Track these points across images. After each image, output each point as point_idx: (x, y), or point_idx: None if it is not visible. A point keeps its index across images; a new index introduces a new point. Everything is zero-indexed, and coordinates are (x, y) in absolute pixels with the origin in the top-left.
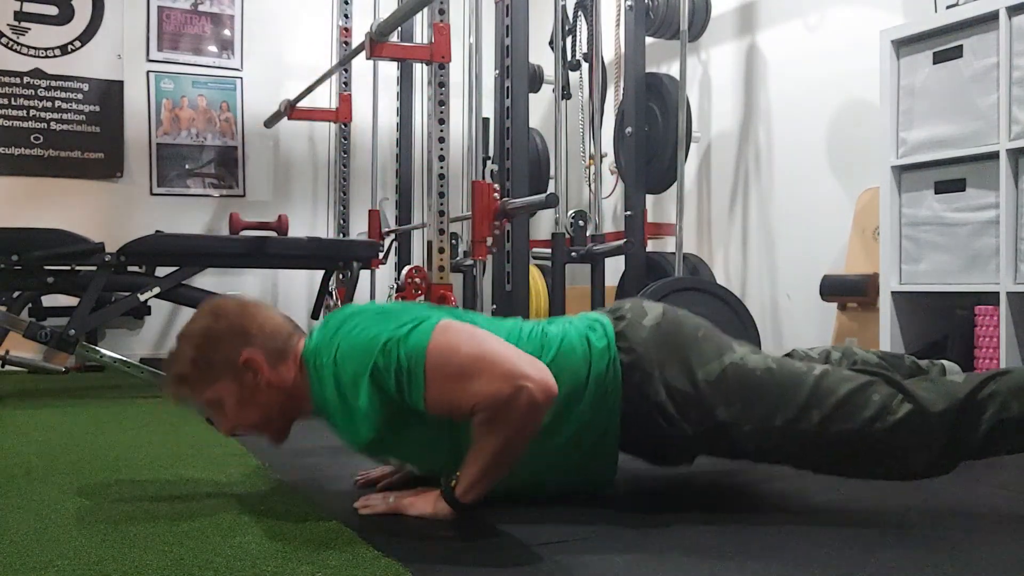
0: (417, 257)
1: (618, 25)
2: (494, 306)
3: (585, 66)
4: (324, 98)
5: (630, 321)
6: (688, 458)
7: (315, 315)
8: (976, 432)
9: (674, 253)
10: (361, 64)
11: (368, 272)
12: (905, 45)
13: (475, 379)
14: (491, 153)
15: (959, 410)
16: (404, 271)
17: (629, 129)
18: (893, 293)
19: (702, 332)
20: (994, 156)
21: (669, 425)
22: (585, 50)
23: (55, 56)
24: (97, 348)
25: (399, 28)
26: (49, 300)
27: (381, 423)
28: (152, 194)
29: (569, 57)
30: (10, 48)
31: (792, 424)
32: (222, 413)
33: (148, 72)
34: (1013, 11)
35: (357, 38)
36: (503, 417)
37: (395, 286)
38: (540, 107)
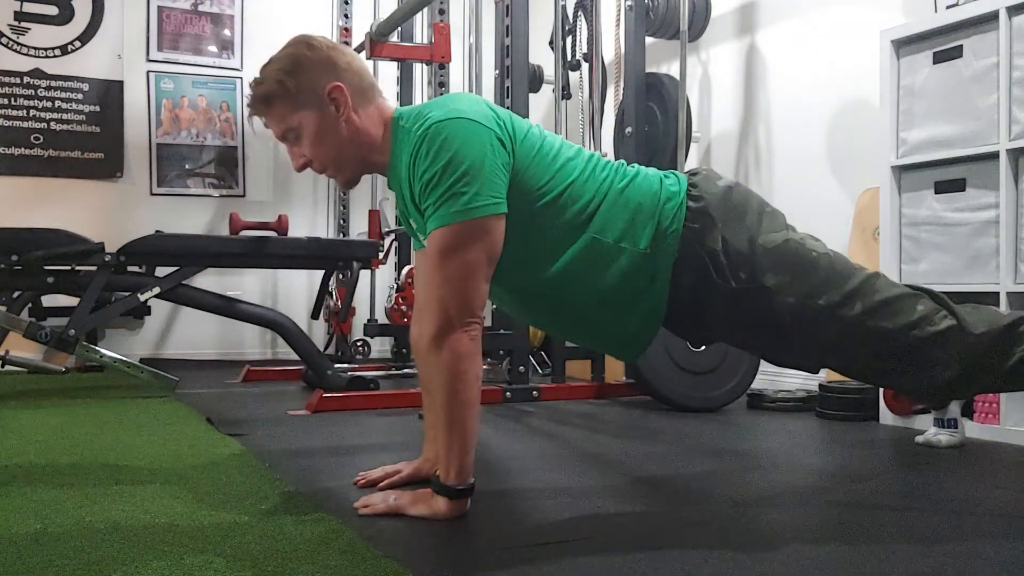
0: None
1: (618, 25)
2: (494, 306)
3: (585, 66)
4: None
5: (704, 176)
6: (717, 327)
7: (315, 315)
8: (1006, 361)
9: None
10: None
11: (368, 272)
12: (905, 45)
13: (446, 284)
14: None
15: (997, 336)
16: (404, 271)
17: (629, 129)
18: None
19: (769, 209)
20: (994, 156)
21: (717, 275)
22: (585, 50)
23: (55, 56)
24: (97, 348)
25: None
26: (49, 300)
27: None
28: (152, 194)
29: (569, 57)
30: (10, 48)
31: (834, 308)
32: (298, 144)
33: (148, 72)
34: (1013, 11)
35: (357, 38)
36: (437, 359)
37: (395, 286)
38: (540, 107)
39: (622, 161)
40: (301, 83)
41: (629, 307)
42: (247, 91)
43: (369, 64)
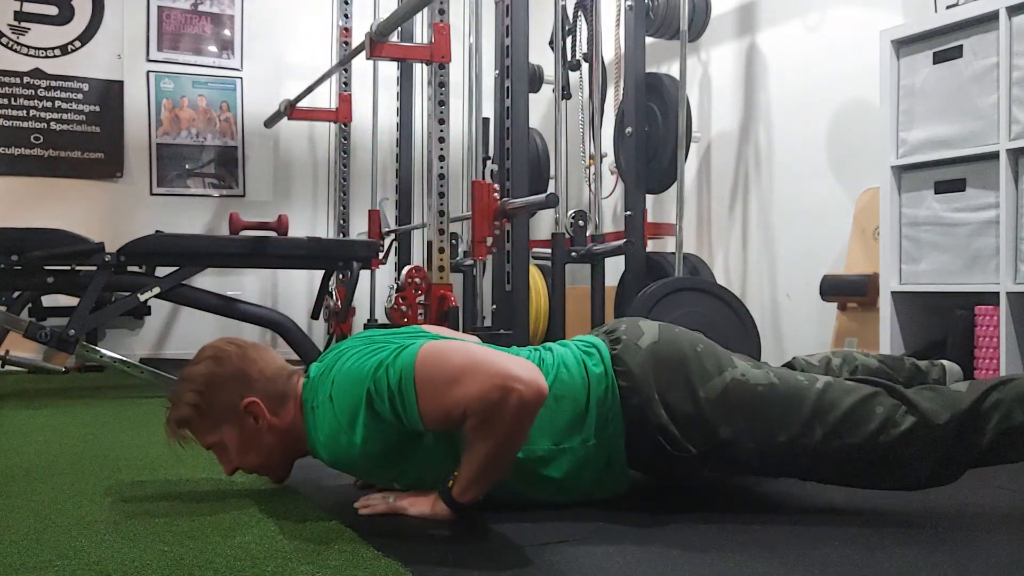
0: (417, 257)
1: (618, 25)
2: (494, 306)
3: (585, 66)
4: (324, 98)
5: (626, 343)
6: (694, 476)
7: (315, 315)
8: (980, 441)
9: (674, 253)
10: (361, 64)
11: (368, 272)
12: (905, 45)
13: (464, 382)
14: (491, 153)
15: (963, 420)
16: (404, 271)
17: (629, 129)
18: (893, 293)
19: (701, 347)
20: (994, 156)
21: (672, 446)
22: (585, 50)
23: (55, 56)
24: (97, 348)
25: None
26: (49, 300)
27: (382, 451)
28: (152, 194)
29: (569, 57)
30: (10, 48)
31: (796, 440)
32: (225, 455)
33: (148, 72)
34: (1013, 11)
35: (357, 38)
36: (494, 418)
37: (395, 286)
38: (540, 107)
39: (537, 348)
40: (214, 403)
41: (592, 487)
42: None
43: (369, 64)
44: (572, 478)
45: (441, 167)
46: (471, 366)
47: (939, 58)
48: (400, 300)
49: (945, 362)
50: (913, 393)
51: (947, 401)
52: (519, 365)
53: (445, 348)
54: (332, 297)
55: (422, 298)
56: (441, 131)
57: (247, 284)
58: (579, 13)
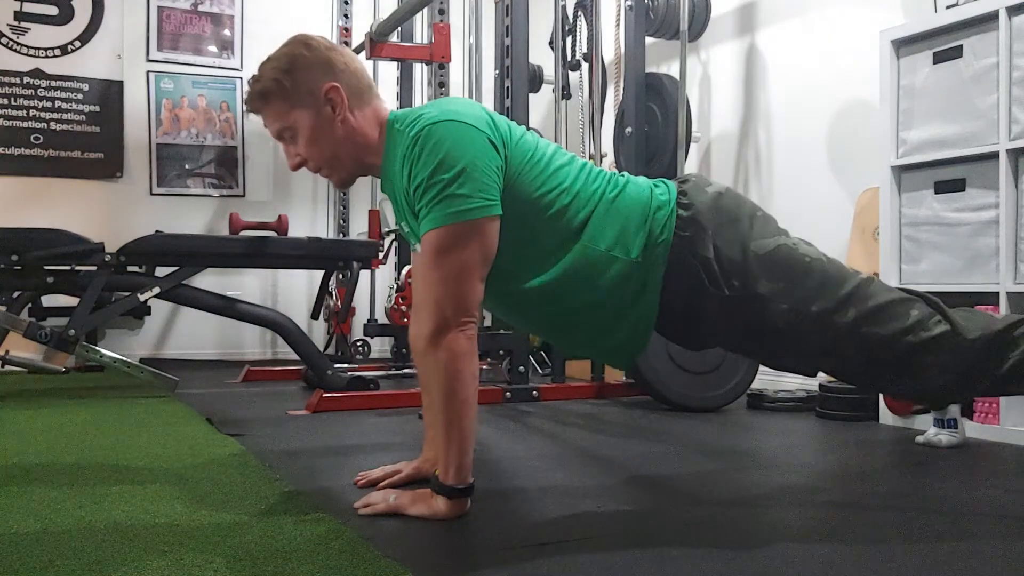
0: None
1: (618, 25)
2: None
3: (585, 66)
4: None
5: (694, 183)
6: (711, 333)
7: (315, 315)
8: (1000, 366)
9: None
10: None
11: (368, 272)
12: (905, 45)
13: (441, 284)
14: None
15: (991, 340)
16: (404, 271)
17: (629, 129)
18: None
19: (760, 213)
20: (994, 156)
21: (710, 283)
22: (585, 50)
23: (55, 56)
24: (97, 348)
25: (399, 28)
26: (49, 300)
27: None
28: (152, 194)
29: (569, 57)
30: (10, 48)
31: (827, 314)
32: (294, 142)
33: (148, 72)
34: (1013, 11)
35: (357, 38)
36: (435, 358)
37: (395, 286)
38: (540, 107)
39: (614, 171)
40: (298, 82)
41: (620, 315)
42: (247, 89)
43: (369, 64)
44: (611, 292)
45: None
46: (454, 281)
47: (939, 58)
48: (400, 300)
49: None
50: (951, 310)
51: (981, 322)
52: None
53: (472, 245)
54: (332, 297)
55: None
56: None
57: (247, 284)
58: (579, 13)
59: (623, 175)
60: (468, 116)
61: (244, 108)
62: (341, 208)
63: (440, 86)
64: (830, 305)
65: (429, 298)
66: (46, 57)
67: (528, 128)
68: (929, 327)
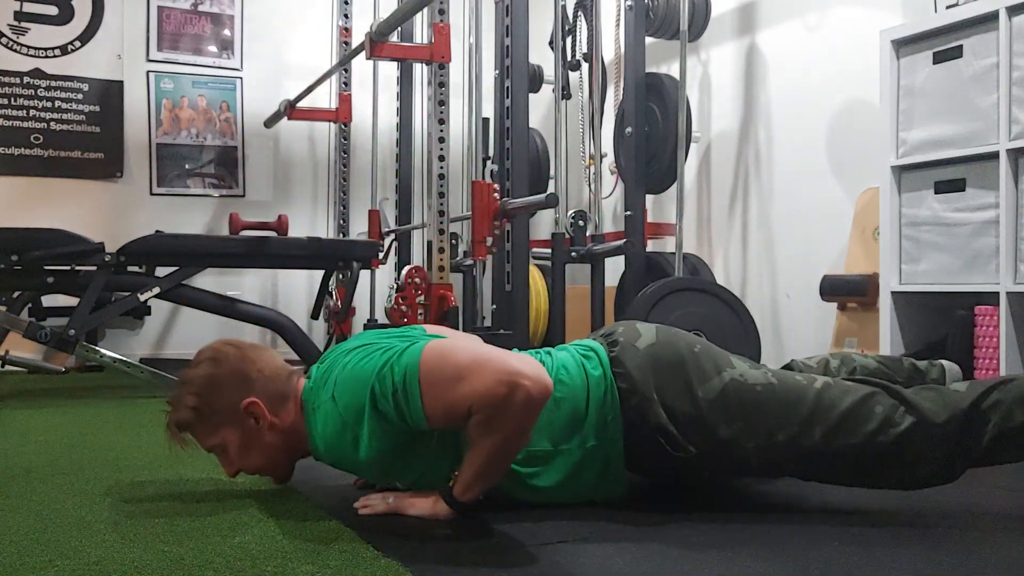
0: (417, 257)
1: (618, 25)
2: (494, 306)
3: (585, 66)
4: (324, 98)
5: (624, 346)
6: (694, 477)
7: (315, 315)
8: (980, 442)
9: (674, 253)
10: (361, 64)
11: (368, 272)
12: (905, 45)
13: (469, 379)
14: (491, 153)
15: (962, 420)
16: (404, 271)
17: (629, 129)
18: (893, 293)
19: (698, 348)
20: (994, 156)
21: (672, 447)
22: (585, 50)
23: (55, 56)
24: (97, 348)
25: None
26: (49, 300)
27: (385, 450)
28: (152, 194)
29: (569, 57)
30: (10, 48)
31: (795, 440)
32: (226, 457)
33: (148, 72)
34: (1013, 11)
35: (357, 38)
36: (500, 414)
37: (395, 286)
38: (540, 107)
39: (540, 351)
40: (215, 405)
41: (588, 491)
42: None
43: (369, 64)
44: (570, 480)
45: (441, 167)
46: (476, 363)
47: (939, 58)
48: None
49: (944, 362)
50: (912, 393)
51: (946, 401)
52: (524, 362)
53: (450, 346)
54: (332, 297)
55: (422, 298)
56: (441, 131)
57: (247, 284)
58: (579, 13)
59: (549, 355)
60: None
61: (166, 437)
62: (341, 208)
63: (440, 86)
64: (794, 430)
65: (479, 398)
66: (46, 57)
67: (528, 128)
68: (896, 422)
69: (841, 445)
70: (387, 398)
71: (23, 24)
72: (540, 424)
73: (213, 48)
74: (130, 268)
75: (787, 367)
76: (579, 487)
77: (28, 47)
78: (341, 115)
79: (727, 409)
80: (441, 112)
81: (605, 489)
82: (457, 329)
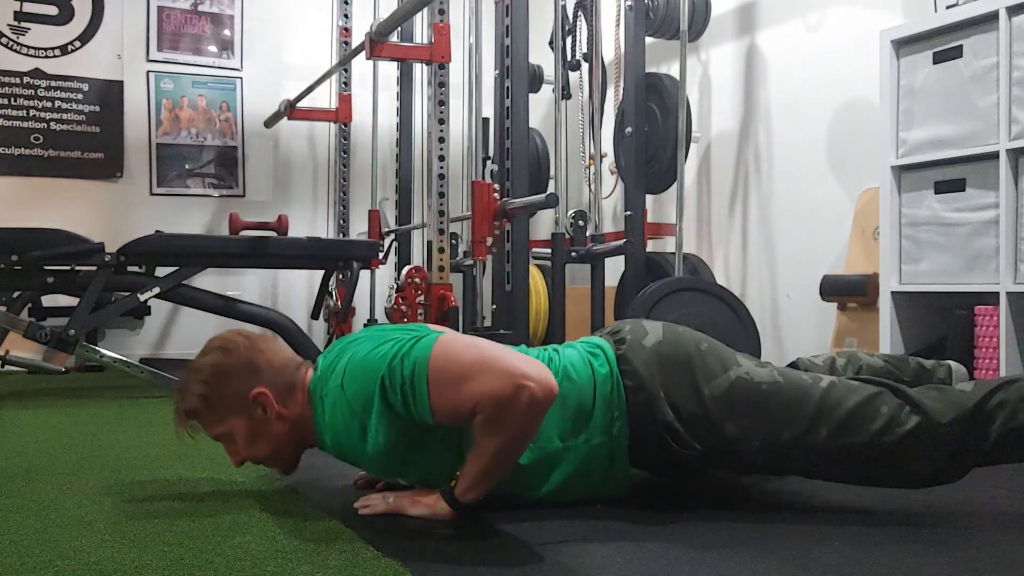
0: (417, 257)
1: (618, 25)
2: (494, 306)
3: (585, 66)
4: (324, 98)
5: (630, 343)
6: (699, 474)
7: (315, 315)
8: (985, 442)
9: (674, 253)
10: (361, 64)
11: (368, 272)
12: (905, 45)
13: (476, 379)
14: (491, 153)
15: (967, 420)
16: (404, 271)
17: (629, 129)
18: (893, 293)
19: (705, 346)
20: (994, 156)
21: (678, 444)
22: (585, 50)
23: (55, 56)
24: (97, 348)
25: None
26: (49, 300)
27: (392, 442)
28: (152, 194)
29: (569, 57)
30: (10, 48)
31: (801, 438)
32: (233, 446)
33: (148, 72)
34: (1013, 11)
35: (357, 38)
36: (504, 416)
37: (395, 286)
38: (540, 107)
39: (546, 349)
40: (224, 394)
41: (592, 486)
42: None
43: (369, 64)
44: (576, 476)
45: (441, 167)
46: (484, 362)
47: (939, 58)
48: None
49: (951, 362)
50: (917, 393)
51: (952, 401)
52: (531, 364)
53: (460, 343)
54: (332, 297)
55: (422, 298)
56: (441, 131)
57: (247, 284)
58: (579, 13)
59: (555, 352)
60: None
61: (174, 425)
62: (341, 208)
63: (440, 86)
64: (800, 429)
65: (487, 393)
66: (46, 57)
67: (528, 128)
68: (902, 421)
69: (847, 444)
70: (396, 390)
71: (23, 24)
72: (547, 421)
73: (213, 48)
74: (130, 268)
75: (792, 365)
76: (584, 484)
77: (28, 47)
78: (341, 115)
79: (733, 407)
80: (441, 112)
81: (609, 486)
82: (457, 330)
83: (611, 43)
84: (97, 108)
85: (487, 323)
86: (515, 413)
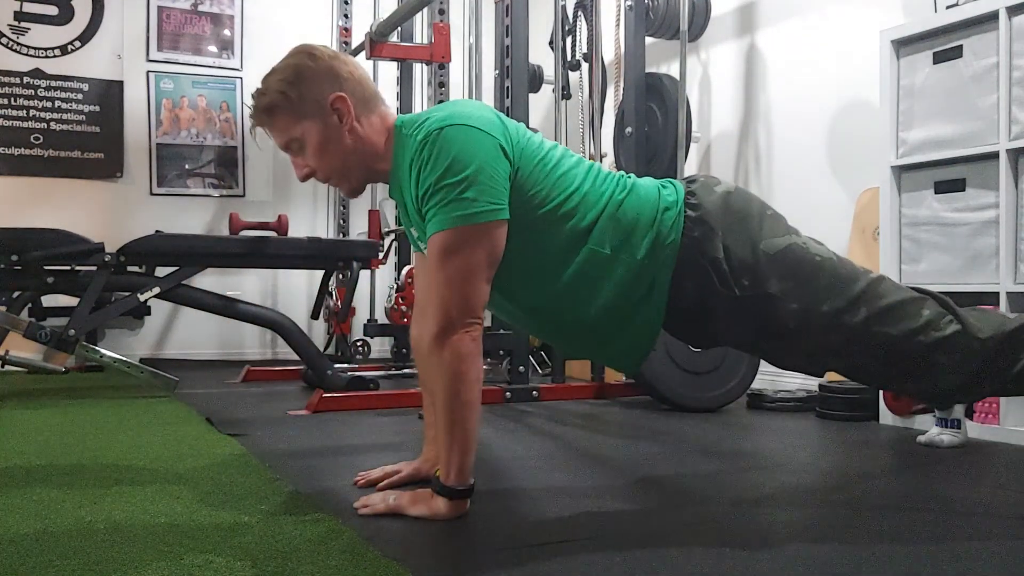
0: None
1: (618, 25)
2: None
3: (585, 66)
4: None
5: (702, 183)
6: (721, 333)
7: (315, 315)
8: (1012, 366)
9: None
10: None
11: (368, 272)
12: (905, 45)
13: (447, 285)
14: None
15: (1003, 341)
16: (404, 271)
17: (629, 129)
18: None
19: (770, 212)
20: (994, 156)
21: (720, 283)
22: (585, 50)
23: (55, 56)
24: (97, 348)
25: (399, 28)
26: (49, 300)
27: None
28: (152, 194)
29: (569, 57)
30: (10, 48)
31: (838, 314)
32: (301, 154)
33: (148, 72)
34: (1013, 11)
35: (357, 38)
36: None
37: (395, 286)
38: (540, 107)
39: (622, 172)
40: (303, 94)
41: (627, 318)
42: (248, 99)
43: (369, 64)
44: (618, 297)
45: None
46: (457, 284)
47: (939, 58)
48: (400, 300)
49: None
50: (963, 309)
51: (992, 321)
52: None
53: (478, 247)
54: (332, 297)
55: None
56: None
57: (247, 284)
58: (579, 13)
59: (631, 176)
60: (477, 120)
61: (250, 123)
62: (341, 208)
63: (440, 86)
64: (841, 304)
65: (434, 299)
66: (46, 57)
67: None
68: (940, 327)
69: (881, 332)
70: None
71: (23, 24)
72: (606, 231)
73: (213, 48)
74: (130, 268)
75: None
76: (622, 309)
77: (28, 47)
78: None
79: (782, 266)
80: None
81: (641, 316)
82: None
83: (611, 43)
84: (97, 108)
85: (487, 323)
86: (442, 362)
